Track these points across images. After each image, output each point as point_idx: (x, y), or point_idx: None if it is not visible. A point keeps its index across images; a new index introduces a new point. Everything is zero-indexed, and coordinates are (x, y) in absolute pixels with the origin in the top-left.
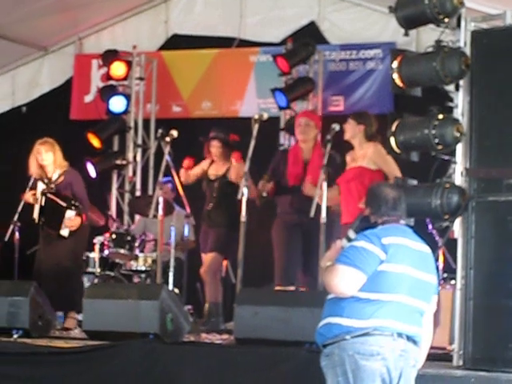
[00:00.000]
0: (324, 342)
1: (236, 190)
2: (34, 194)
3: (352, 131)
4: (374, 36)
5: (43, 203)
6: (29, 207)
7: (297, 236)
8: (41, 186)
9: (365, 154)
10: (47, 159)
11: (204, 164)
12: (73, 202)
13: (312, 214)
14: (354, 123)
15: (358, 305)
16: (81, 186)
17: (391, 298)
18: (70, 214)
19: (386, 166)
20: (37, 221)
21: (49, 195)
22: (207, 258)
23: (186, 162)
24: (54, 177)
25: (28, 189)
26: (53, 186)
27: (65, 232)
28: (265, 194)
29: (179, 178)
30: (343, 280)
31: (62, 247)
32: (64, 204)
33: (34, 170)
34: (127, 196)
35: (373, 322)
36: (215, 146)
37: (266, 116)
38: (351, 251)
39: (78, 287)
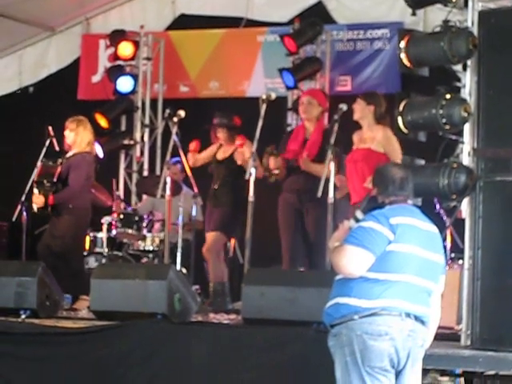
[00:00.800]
0: (332, 322)
1: (243, 170)
2: None
3: (361, 112)
4: (381, 16)
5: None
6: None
7: (299, 217)
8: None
9: (374, 137)
10: (69, 138)
11: (213, 147)
12: (43, 181)
13: (319, 193)
14: (363, 104)
15: (367, 285)
16: (77, 172)
17: (399, 278)
18: (35, 190)
19: (392, 152)
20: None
21: (38, 166)
22: (209, 236)
23: (193, 145)
24: (68, 155)
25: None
26: (63, 161)
27: (34, 206)
28: (277, 171)
29: (187, 158)
30: (352, 260)
31: (56, 231)
32: (36, 179)
33: (66, 143)
34: (135, 176)
35: (381, 302)
36: (221, 132)
37: (273, 96)
38: (359, 232)
39: (69, 272)
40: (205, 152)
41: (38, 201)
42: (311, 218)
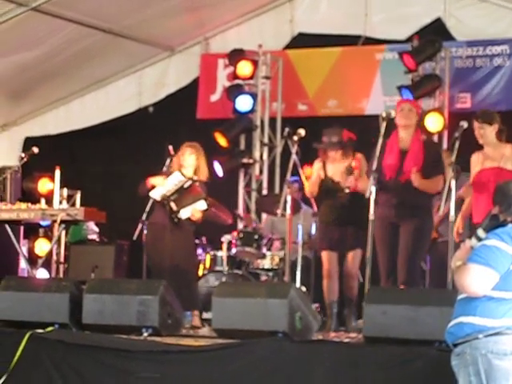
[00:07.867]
0: (455, 341)
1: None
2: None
3: (478, 132)
4: (500, 32)
5: (186, 186)
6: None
7: (393, 231)
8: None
9: (502, 155)
10: (188, 161)
11: (317, 168)
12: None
13: (441, 212)
14: (477, 124)
15: (491, 304)
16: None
17: None
18: (202, 204)
19: None
20: (164, 196)
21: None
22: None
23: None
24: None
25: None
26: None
27: (184, 214)
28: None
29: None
30: (476, 279)
31: (176, 242)
32: (203, 195)
33: (175, 168)
34: (254, 194)
35: (506, 321)
36: (333, 152)
37: (393, 114)
38: (483, 250)
39: (194, 287)
40: (313, 177)
41: (198, 215)
42: (406, 232)
